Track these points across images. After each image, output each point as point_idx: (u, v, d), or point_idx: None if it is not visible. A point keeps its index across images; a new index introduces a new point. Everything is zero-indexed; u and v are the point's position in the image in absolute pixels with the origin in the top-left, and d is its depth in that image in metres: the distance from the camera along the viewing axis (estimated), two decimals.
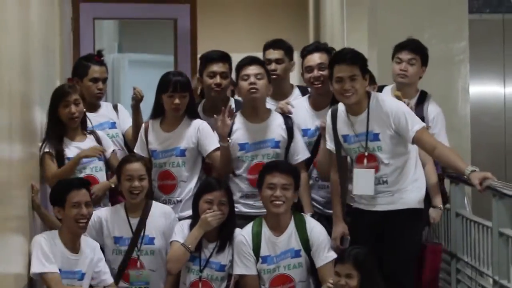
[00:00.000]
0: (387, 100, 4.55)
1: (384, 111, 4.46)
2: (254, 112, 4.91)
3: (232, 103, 5.14)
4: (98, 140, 5.03)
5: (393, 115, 4.44)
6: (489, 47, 8.13)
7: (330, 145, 4.68)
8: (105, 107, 5.47)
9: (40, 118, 5.02)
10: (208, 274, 4.70)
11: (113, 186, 4.93)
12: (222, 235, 4.73)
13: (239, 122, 4.92)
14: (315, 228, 4.67)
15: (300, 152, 4.92)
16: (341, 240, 4.66)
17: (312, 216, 4.82)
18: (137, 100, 5.28)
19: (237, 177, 4.93)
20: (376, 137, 4.48)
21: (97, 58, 5.34)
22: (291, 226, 4.66)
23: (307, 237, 4.63)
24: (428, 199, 4.74)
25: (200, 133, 4.97)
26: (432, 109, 5.09)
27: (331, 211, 4.80)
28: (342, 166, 4.67)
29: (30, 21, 4.74)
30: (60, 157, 4.88)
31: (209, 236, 4.73)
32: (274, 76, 5.13)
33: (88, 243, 4.55)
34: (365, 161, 4.48)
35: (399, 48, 5.16)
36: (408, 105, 4.70)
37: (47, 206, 4.75)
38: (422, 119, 4.79)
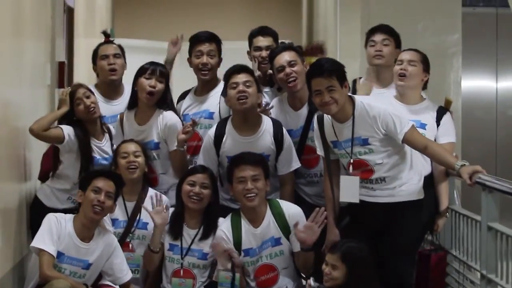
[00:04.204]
0: (373, 105, 4.46)
1: (371, 115, 4.41)
2: (244, 122, 4.81)
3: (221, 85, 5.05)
4: (110, 136, 5.00)
5: (381, 119, 4.39)
6: (482, 40, 8.13)
7: (319, 151, 4.65)
8: (128, 93, 5.24)
9: (31, 99, 5.08)
10: (190, 263, 4.67)
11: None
12: (206, 222, 4.69)
13: (229, 132, 4.83)
14: (292, 211, 4.64)
15: (291, 162, 4.84)
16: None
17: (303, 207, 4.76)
18: None
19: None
20: (365, 142, 4.43)
21: (106, 38, 5.30)
22: (268, 215, 4.64)
23: (287, 222, 4.61)
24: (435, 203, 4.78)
25: (167, 130, 4.92)
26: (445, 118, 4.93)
27: (320, 202, 4.79)
28: (334, 171, 4.62)
29: (21, 5, 4.72)
30: (87, 158, 4.81)
31: (190, 223, 4.71)
32: (264, 65, 5.11)
33: (105, 237, 4.50)
34: (351, 167, 4.46)
35: (371, 31, 5.11)
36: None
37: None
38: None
